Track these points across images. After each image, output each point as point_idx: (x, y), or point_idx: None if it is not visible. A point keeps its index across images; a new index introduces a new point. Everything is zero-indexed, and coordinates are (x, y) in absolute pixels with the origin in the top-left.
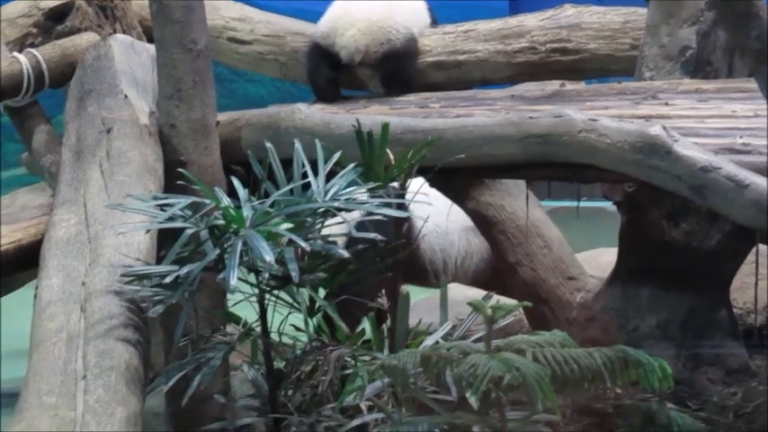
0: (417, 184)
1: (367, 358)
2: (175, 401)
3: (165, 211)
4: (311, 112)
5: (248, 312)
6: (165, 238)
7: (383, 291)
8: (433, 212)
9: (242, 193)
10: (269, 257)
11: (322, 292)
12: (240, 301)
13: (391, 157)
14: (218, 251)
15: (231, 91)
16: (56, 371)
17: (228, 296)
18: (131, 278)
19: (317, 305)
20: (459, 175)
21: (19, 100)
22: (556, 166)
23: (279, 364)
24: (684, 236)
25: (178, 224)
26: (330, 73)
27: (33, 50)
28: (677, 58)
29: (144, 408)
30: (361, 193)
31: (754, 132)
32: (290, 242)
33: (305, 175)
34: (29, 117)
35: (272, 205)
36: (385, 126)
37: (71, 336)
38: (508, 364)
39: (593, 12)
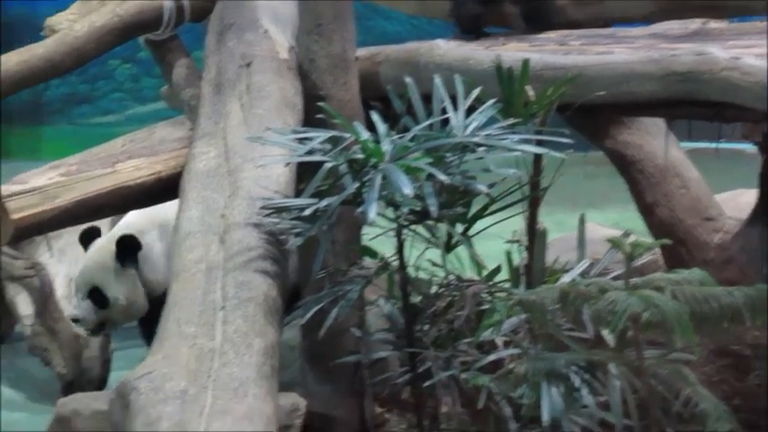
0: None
1: (503, 295)
2: (311, 334)
3: (304, 144)
4: (450, 48)
5: (384, 247)
6: (304, 172)
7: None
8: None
9: (381, 127)
10: (408, 190)
11: (459, 227)
12: (378, 235)
13: (531, 93)
14: (357, 185)
15: (368, 28)
16: (195, 301)
17: (365, 230)
18: (270, 211)
19: (454, 240)
20: (599, 113)
21: (160, 34)
22: (696, 105)
23: (415, 298)
24: None
25: (317, 158)
26: (476, 7)
27: None
28: None
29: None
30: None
31: None
32: (429, 177)
33: (444, 111)
34: (169, 51)
35: (411, 140)
36: (525, 62)
37: (210, 267)
38: (647, 301)
39: None
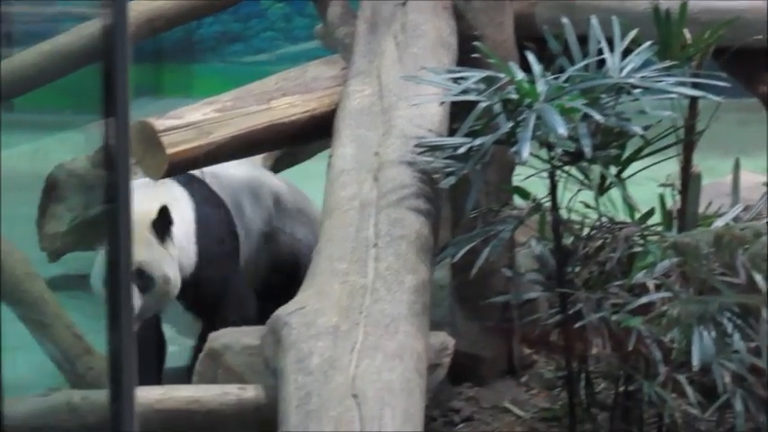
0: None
1: (656, 238)
2: (461, 274)
3: (458, 84)
4: None
5: (537, 188)
6: (458, 112)
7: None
8: None
9: (536, 67)
10: (562, 131)
11: (613, 170)
12: (530, 175)
13: (688, 36)
14: (510, 124)
15: None
16: (347, 238)
17: (517, 172)
18: (424, 149)
19: (607, 182)
20: (754, 58)
21: None
22: None
23: (566, 240)
24: None
25: (472, 97)
26: None
27: None
28: None
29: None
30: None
31: None
32: (584, 118)
33: (600, 52)
34: None
35: (566, 81)
36: (683, 5)
37: (363, 204)
38: None
39: None
